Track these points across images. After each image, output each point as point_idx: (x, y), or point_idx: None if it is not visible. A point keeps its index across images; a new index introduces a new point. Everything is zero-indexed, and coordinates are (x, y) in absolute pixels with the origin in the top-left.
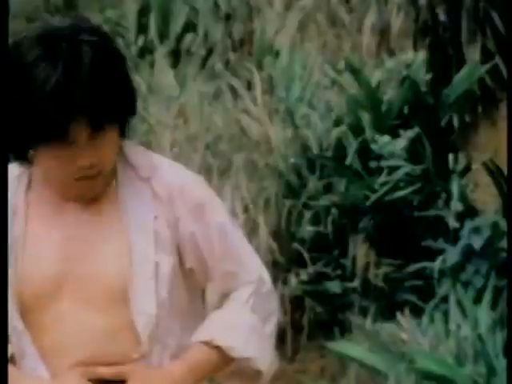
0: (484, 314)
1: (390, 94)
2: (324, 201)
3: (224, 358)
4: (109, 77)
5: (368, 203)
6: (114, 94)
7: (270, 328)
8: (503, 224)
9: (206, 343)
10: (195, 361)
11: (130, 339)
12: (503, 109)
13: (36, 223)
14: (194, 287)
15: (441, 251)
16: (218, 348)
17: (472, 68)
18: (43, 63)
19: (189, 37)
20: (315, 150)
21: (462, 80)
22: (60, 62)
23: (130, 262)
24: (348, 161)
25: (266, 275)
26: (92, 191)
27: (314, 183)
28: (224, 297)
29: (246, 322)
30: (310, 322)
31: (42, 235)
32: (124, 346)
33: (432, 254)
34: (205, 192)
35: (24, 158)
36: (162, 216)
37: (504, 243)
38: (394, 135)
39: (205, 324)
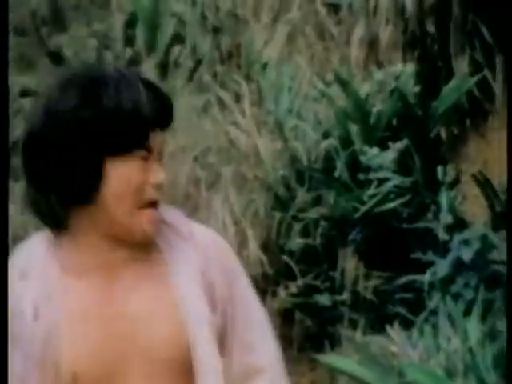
0: (474, 327)
1: (378, 106)
2: (313, 213)
3: None
4: (164, 93)
5: (357, 215)
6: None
7: None
8: (492, 236)
9: None
10: None
11: None
12: (492, 121)
13: (76, 303)
14: None
15: (430, 263)
16: None
17: (461, 80)
18: (125, 88)
19: (176, 49)
20: (304, 162)
21: (450, 92)
22: (139, 85)
23: (188, 326)
24: (337, 173)
25: (279, 355)
26: (153, 224)
27: (302, 195)
28: (239, 378)
29: None
30: (299, 334)
31: (87, 314)
32: None
33: (422, 267)
34: (234, 257)
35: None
36: (206, 274)
37: (494, 255)
38: (383, 147)
39: None
